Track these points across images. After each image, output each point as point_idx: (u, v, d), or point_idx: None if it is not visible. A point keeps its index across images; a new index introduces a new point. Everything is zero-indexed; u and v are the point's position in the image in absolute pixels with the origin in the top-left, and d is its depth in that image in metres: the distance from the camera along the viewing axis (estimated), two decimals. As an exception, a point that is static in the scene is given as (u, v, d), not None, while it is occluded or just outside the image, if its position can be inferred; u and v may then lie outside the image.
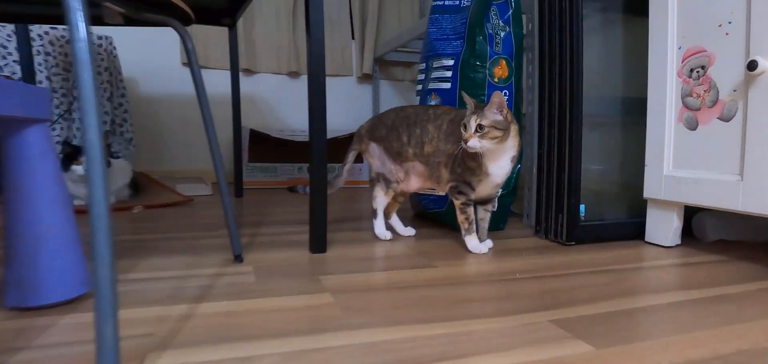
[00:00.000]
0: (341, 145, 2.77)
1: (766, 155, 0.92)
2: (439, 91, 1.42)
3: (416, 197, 1.45)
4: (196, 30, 2.48)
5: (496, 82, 1.37)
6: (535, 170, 1.43)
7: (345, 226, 1.40)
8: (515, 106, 1.39)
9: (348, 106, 2.89)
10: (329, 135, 2.45)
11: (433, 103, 1.44)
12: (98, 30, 2.14)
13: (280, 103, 2.73)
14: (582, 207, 1.21)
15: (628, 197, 1.30)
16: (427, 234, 1.30)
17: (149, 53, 2.45)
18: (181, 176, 2.46)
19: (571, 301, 0.78)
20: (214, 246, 1.11)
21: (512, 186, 1.41)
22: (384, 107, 2.98)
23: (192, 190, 2.03)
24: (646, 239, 1.21)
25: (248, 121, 2.66)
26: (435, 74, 1.44)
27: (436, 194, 1.42)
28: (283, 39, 2.66)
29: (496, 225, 1.39)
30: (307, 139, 2.39)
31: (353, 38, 2.85)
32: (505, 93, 1.37)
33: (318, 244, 1.05)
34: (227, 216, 0.93)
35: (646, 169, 1.19)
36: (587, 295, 0.81)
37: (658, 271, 0.96)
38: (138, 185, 1.86)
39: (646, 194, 1.19)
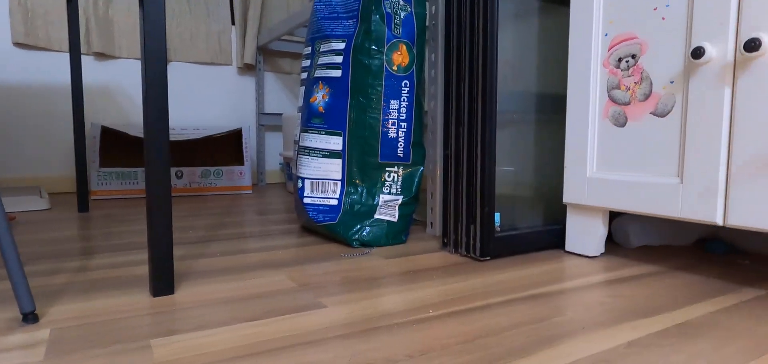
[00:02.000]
0: (219, 145, 2.42)
1: (711, 155, 0.80)
2: (328, 80, 1.18)
3: (302, 206, 1.20)
4: (34, 2, 2.01)
5: (394, 71, 1.16)
6: (439, 173, 1.24)
7: (212, 247, 1.10)
8: (417, 101, 1.19)
9: (227, 100, 2.54)
10: (204, 133, 2.11)
11: (320, 93, 1.19)
12: None
13: (145, 96, 2.32)
14: (497, 216, 1.04)
15: (545, 202, 1.15)
16: (314, 254, 1.05)
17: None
18: (10, 186, 1.98)
19: (507, 353, 0.58)
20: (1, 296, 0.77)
21: (414, 192, 1.20)
22: (270, 103, 2.66)
23: (19, 204, 1.59)
24: (567, 248, 1.07)
25: (104, 117, 2.22)
26: (322, 60, 1.20)
27: (327, 203, 1.18)
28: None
29: (398, 238, 1.17)
30: (181, 137, 2.02)
31: (233, 23, 2.51)
32: (406, 83, 1.17)
33: (161, 283, 0.75)
34: (6, 259, 0.61)
35: (565, 171, 1.04)
36: (523, 339, 0.62)
37: (594, 292, 0.80)
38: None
39: (566, 199, 1.04)
